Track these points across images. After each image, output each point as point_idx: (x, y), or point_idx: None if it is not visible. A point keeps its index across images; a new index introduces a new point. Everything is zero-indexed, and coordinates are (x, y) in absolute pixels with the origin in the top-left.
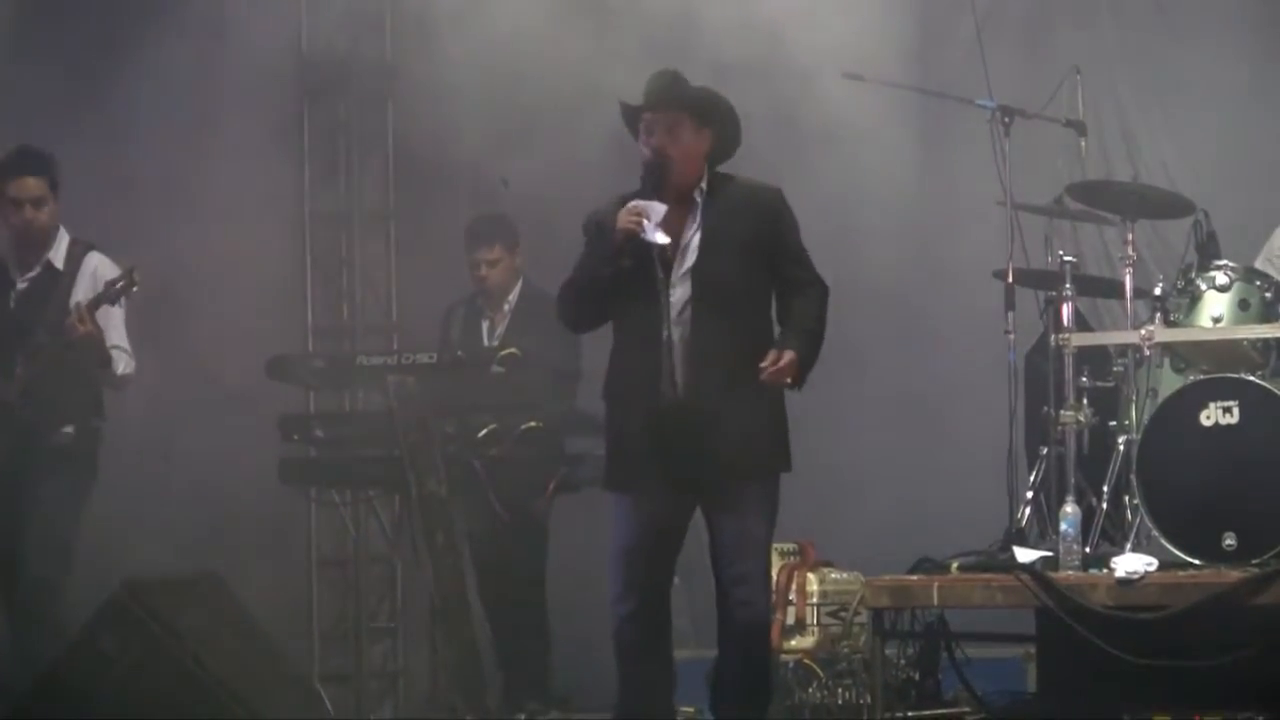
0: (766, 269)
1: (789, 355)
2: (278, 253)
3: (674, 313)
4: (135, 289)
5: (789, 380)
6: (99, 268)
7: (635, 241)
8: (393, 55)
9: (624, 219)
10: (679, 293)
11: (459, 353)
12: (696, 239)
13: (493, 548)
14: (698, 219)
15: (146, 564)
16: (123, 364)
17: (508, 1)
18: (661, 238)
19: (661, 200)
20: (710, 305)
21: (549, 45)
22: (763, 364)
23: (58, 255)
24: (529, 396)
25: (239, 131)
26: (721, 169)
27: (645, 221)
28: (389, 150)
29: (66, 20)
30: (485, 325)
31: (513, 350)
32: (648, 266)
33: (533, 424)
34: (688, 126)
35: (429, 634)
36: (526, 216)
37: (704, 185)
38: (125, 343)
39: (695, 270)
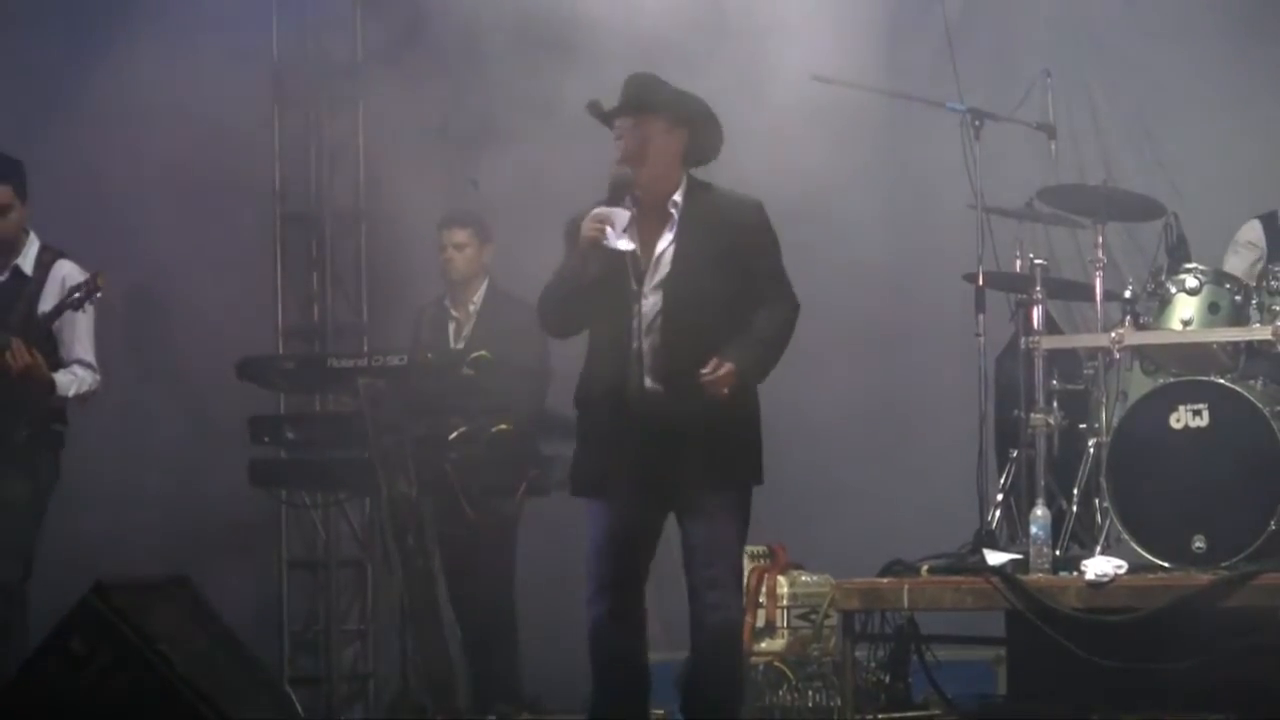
0: (740, 283)
1: (727, 366)
2: (248, 254)
3: (645, 323)
4: (99, 295)
5: (724, 390)
6: (68, 276)
7: (601, 249)
8: (363, 57)
9: (587, 227)
10: (650, 303)
11: (429, 355)
12: (671, 250)
13: (463, 550)
14: (674, 229)
15: (117, 566)
16: (74, 385)
17: (477, 2)
18: (625, 244)
19: (634, 205)
20: (681, 317)
21: (520, 45)
22: (703, 371)
23: (26, 261)
24: (500, 399)
25: (209, 133)
26: (700, 176)
27: (609, 229)
28: (359, 152)
29: (35, 22)
30: (451, 327)
31: (484, 353)
32: (620, 275)
33: (503, 426)
34: (660, 128)
35: (399, 636)
36: (497, 218)
37: (680, 194)
38: (90, 355)
39: (668, 282)
